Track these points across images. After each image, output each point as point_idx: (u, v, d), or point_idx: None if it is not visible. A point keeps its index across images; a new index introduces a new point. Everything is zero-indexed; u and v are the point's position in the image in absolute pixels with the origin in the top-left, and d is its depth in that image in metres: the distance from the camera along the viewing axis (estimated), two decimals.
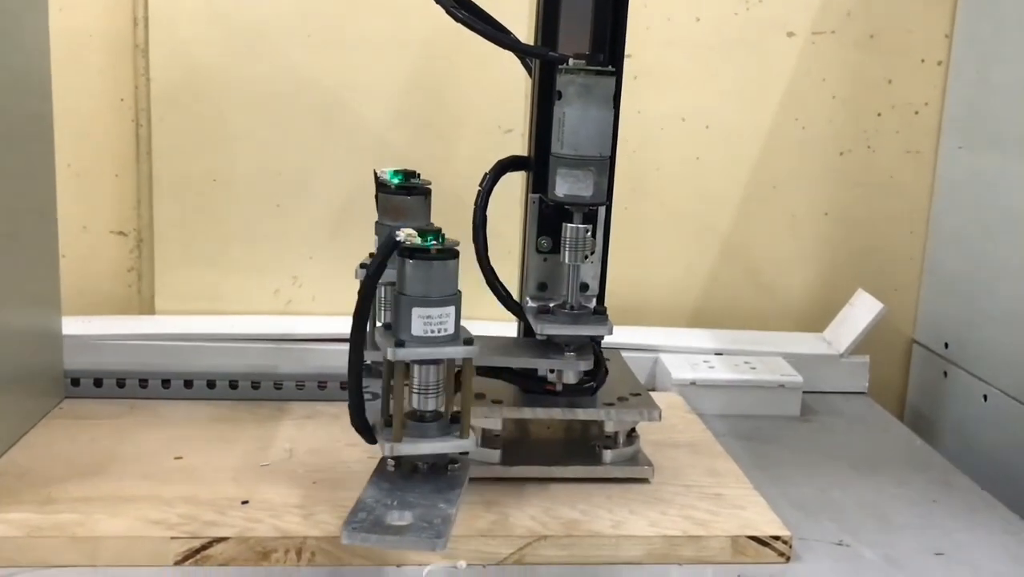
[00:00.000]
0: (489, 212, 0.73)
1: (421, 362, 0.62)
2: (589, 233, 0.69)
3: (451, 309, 0.60)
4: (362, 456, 0.73)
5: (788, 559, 0.67)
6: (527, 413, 0.73)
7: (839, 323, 1.06)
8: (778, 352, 1.01)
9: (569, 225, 0.69)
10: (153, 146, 1.01)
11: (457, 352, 0.61)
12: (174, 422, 0.84)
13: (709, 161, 1.09)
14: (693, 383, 0.95)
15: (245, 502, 0.68)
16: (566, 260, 0.70)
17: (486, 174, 0.74)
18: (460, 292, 0.62)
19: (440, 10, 0.69)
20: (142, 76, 1.00)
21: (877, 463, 0.85)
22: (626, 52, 0.74)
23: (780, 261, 1.12)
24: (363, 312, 0.61)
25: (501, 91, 1.02)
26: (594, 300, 0.75)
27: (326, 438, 0.80)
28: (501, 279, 0.74)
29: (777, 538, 0.67)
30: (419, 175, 0.71)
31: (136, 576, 0.62)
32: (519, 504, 0.69)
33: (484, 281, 0.74)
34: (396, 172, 0.70)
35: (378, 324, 0.67)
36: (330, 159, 1.02)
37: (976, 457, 0.95)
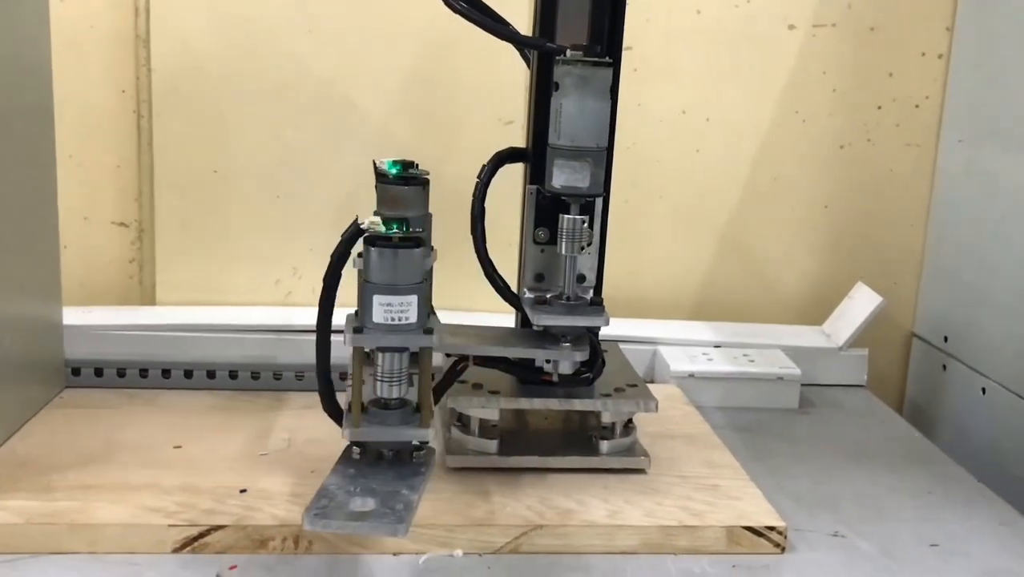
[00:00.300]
0: (491, 203, 0.73)
1: (384, 350, 0.62)
2: (586, 224, 0.69)
3: (413, 298, 0.60)
4: None
5: (783, 550, 0.67)
6: (524, 404, 0.74)
7: (838, 316, 1.06)
8: (777, 345, 1.02)
9: (566, 216, 0.69)
10: (154, 137, 1.01)
11: (415, 341, 0.61)
12: (174, 411, 0.84)
13: (709, 154, 1.09)
14: (692, 375, 0.95)
15: (243, 491, 0.68)
16: (563, 251, 0.70)
17: (484, 166, 0.74)
18: (426, 281, 0.61)
19: (439, 1, 0.69)
20: (143, 67, 1.01)
21: (874, 456, 0.85)
22: (626, 44, 0.74)
23: (779, 254, 1.12)
24: (328, 300, 0.62)
25: (501, 83, 1.02)
26: (591, 291, 0.75)
27: (325, 428, 0.79)
28: (502, 270, 0.74)
29: (772, 529, 0.67)
30: (417, 165, 0.71)
31: (135, 563, 0.62)
32: (515, 494, 0.70)
33: (482, 272, 0.74)
34: (395, 162, 0.70)
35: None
36: (331, 151, 1.03)
37: (974, 450, 0.95)
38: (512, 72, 0.99)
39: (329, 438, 0.79)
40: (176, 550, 0.63)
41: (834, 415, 0.95)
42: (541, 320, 0.70)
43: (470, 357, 0.72)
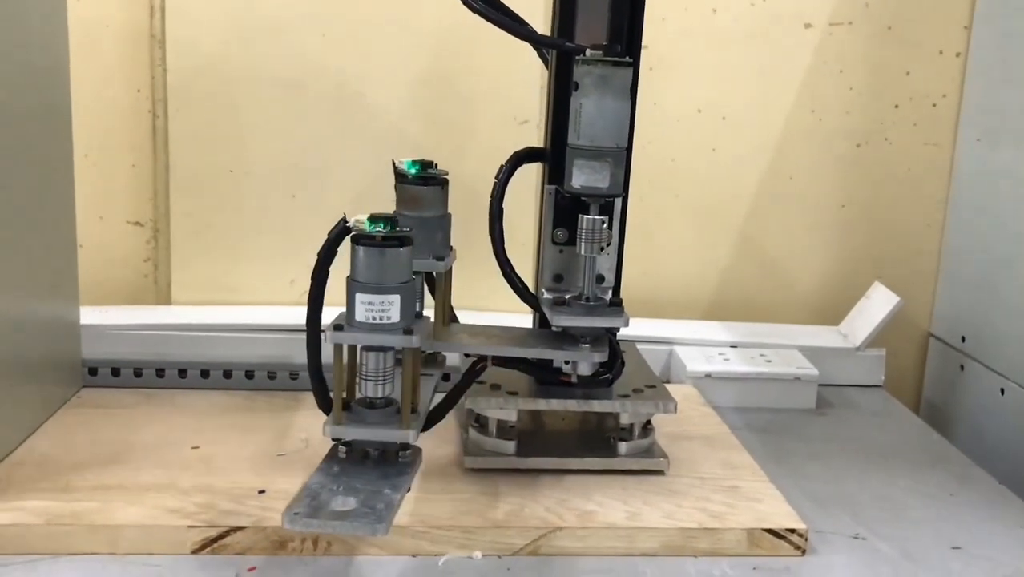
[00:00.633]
0: (504, 204, 0.73)
1: (368, 349, 0.62)
2: (605, 225, 0.69)
3: (395, 298, 0.60)
4: None
5: (804, 552, 0.67)
6: (542, 404, 0.74)
7: (855, 316, 1.05)
8: (794, 345, 1.01)
9: (585, 216, 0.69)
10: (170, 136, 1.01)
11: (393, 341, 0.61)
12: (191, 412, 0.84)
13: (725, 153, 1.08)
14: (708, 376, 0.95)
15: (262, 492, 0.68)
16: (582, 252, 0.69)
17: (502, 166, 0.74)
18: (413, 281, 0.61)
19: (456, 1, 0.69)
20: (159, 66, 1.01)
21: (893, 456, 0.85)
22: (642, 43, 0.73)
23: (796, 253, 1.11)
24: (316, 297, 0.62)
25: (516, 82, 1.02)
26: (610, 292, 0.75)
27: None
28: (516, 270, 0.74)
29: (793, 531, 0.67)
30: (436, 165, 0.71)
31: (154, 564, 0.62)
32: (534, 495, 0.69)
33: (500, 272, 0.73)
34: (414, 162, 0.70)
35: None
36: (345, 150, 1.02)
37: (993, 451, 0.95)
38: (527, 71, 0.99)
39: None
40: (195, 551, 0.63)
41: (851, 416, 0.95)
42: (560, 321, 0.70)
43: (489, 358, 0.72)
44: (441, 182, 0.71)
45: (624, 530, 0.66)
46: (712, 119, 1.07)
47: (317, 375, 0.64)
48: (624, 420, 0.74)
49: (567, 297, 0.73)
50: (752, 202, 1.10)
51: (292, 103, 1.01)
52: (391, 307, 0.60)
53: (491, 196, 0.73)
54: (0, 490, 0.67)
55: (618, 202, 0.73)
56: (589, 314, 0.71)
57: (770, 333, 1.04)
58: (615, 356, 0.74)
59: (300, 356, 0.90)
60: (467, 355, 0.75)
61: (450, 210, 0.74)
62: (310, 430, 0.80)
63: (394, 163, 0.71)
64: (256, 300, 1.03)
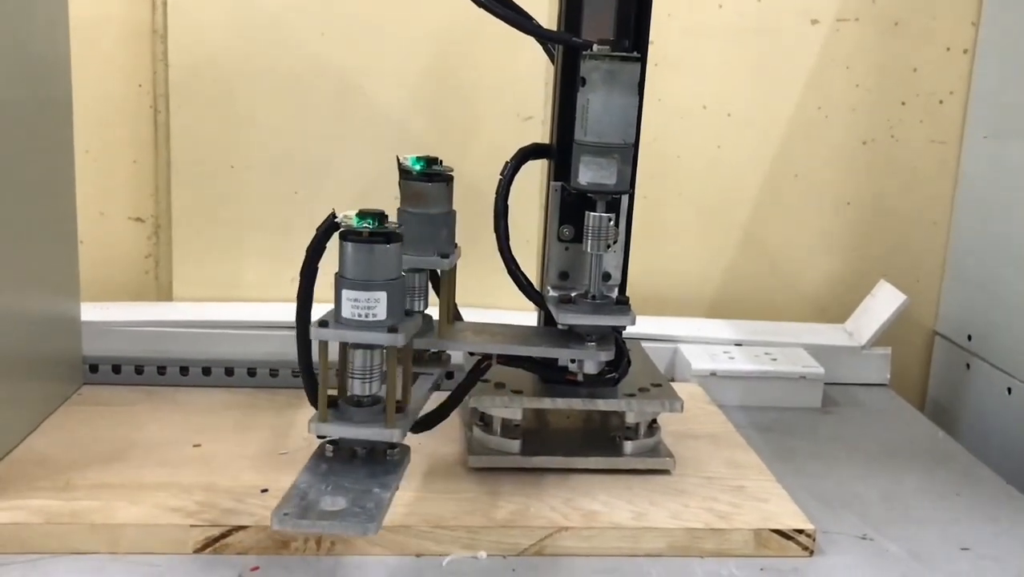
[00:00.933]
0: (509, 201, 0.73)
1: (356, 346, 0.61)
2: (612, 222, 0.68)
3: (381, 295, 0.59)
4: None
5: (812, 553, 0.66)
6: (547, 403, 0.73)
7: (861, 314, 1.05)
8: (799, 343, 1.00)
9: (592, 213, 0.68)
10: (171, 132, 1.00)
11: (375, 338, 0.59)
12: (192, 409, 0.83)
13: (730, 150, 1.08)
14: (713, 374, 0.94)
15: (264, 490, 0.68)
16: (589, 249, 0.69)
17: (507, 162, 0.73)
18: (402, 278, 0.60)
19: None
20: (160, 62, 1.00)
21: (899, 456, 0.84)
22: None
23: (801, 251, 1.11)
24: (306, 293, 0.61)
25: (520, 78, 1.01)
26: (616, 290, 0.74)
27: None
28: (521, 267, 0.73)
29: (800, 532, 0.66)
30: (441, 161, 0.71)
31: (155, 564, 0.61)
32: (539, 495, 0.69)
33: (505, 270, 0.73)
34: (418, 159, 0.70)
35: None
36: (348, 146, 1.02)
37: (999, 450, 0.94)
38: (531, 67, 0.98)
39: None
40: (197, 551, 0.62)
41: (857, 414, 0.94)
42: (566, 319, 0.69)
43: (493, 356, 0.71)
44: (446, 179, 0.70)
45: (630, 530, 0.65)
46: (717, 116, 1.07)
47: (308, 372, 0.64)
48: (630, 419, 0.74)
49: (573, 295, 0.72)
50: (757, 199, 1.09)
51: (294, 99, 1.00)
52: (377, 304, 0.59)
53: (496, 193, 0.72)
54: (0, 488, 0.66)
55: (625, 199, 0.72)
56: (595, 312, 0.70)
57: (775, 331, 1.04)
58: (621, 355, 0.73)
59: None
60: (472, 353, 0.74)
61: (454, 207, 0.73)
62: None
63: (399, 159, 0.70)
64: (258, 296, 1.03)
